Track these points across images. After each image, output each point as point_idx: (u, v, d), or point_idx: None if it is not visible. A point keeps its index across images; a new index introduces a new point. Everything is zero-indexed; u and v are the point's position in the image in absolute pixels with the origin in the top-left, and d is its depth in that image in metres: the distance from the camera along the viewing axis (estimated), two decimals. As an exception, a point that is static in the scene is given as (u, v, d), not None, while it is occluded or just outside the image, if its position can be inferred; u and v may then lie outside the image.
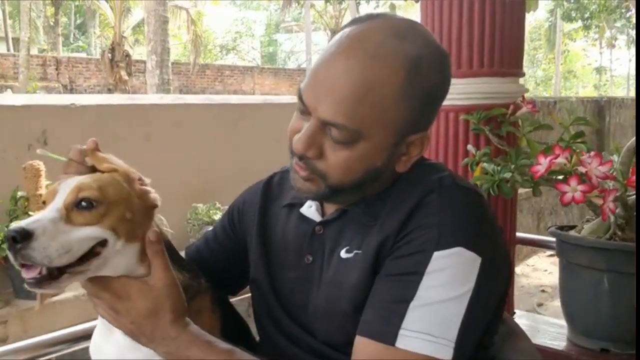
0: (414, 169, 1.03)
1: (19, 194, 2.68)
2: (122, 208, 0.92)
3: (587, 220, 1.83)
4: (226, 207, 3.33)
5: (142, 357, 0.96)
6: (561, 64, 29.72)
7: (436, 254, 0.90)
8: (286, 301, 1.10)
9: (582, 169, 1.40)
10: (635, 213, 1.65)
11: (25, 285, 0.87)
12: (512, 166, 1.58)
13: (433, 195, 0.95)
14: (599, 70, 33.94)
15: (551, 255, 6.84)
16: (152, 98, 3.32)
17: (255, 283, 1.17)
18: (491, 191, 1.58)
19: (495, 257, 0.94)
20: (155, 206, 0.99)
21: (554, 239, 1.82)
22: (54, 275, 0.86)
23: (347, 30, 0.99)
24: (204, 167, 3.51)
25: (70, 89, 14.89)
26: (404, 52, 0.94)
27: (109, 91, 14.24)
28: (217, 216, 3.29)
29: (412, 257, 0.91)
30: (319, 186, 1.00)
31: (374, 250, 0.96)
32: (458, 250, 0.90)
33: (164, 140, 3.30)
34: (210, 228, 3.14)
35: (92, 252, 0.89)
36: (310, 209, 1.11)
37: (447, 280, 0.89)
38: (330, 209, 1.09)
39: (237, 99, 3.70)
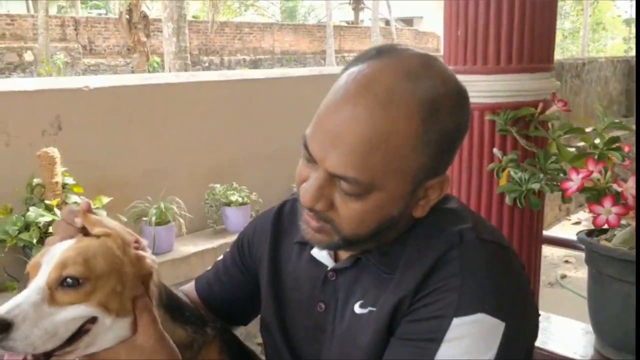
0: (432, 213, 0.95)
1: (35, 181, 2.64)
2: (112, 281, 0.85)
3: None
4: (243, 187, 3.30)
5: None
6: (590, 16, 28.82)
7: (455, 320, 0.83)
8: (298, 350, 1.05)
9: (617, 188, 1.31)
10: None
11: None
12: (541, 175, 1.49)
13: (453, 253, 0.88)
14: (629, 22, 32.86)
15: (576, 224, 6.74)
16: (167, 77, 3.25)
17: (266, 329, 1.12)
18: (518, 203, 1.50)
19: (520, 320, 0.88)
20: (151, 274, 0.92)
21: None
22: (41, 359, 0.80)
23: (354, 70, 0.88)
24: (221, 147, 3.45)
25: (89, 49, 14.83)
26: (419, 96, 0.85)
27: (129, 51, 14.16)
28: (234, 197, 3.25)
29: (430, 322, 0.85)
30: (332, 237, 0.93)
31: (390, 310, 0.89)
32: (480, 317, 0.83)
33: (180, 121, 3.24)
34: (228, 207, 3.07)
35: (81, 330, 0.83)
36: (321, 252, 1.05)
37: (466, 349, 0.83)
38: (343, 253, 1.03)
39: (254, 74, 3.60)
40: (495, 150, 1.65)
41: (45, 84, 2.84)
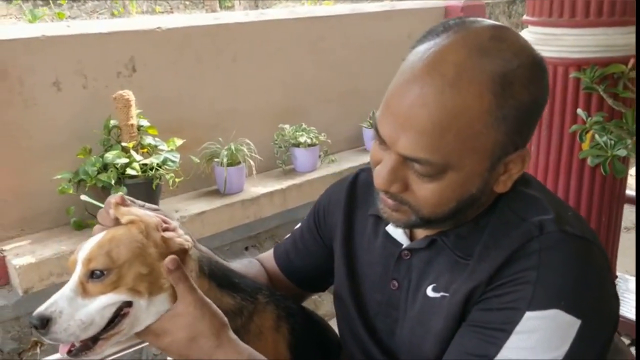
0: (513, 201, 0.93)
1: (112, 123, 2.72)
2: (136, 266, 0.92)
3: None
4: (312, 128, 3.30)
5: None
6: None
7: (528, 313, 0.83)
8: (371, 324, 1.07)
9: None
10: None
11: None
12: (629, 141, 1.42)
13: (533, 245, 0.86)
14: None
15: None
16: (236, 16, 3.21)
17: (339, 300, 1.14)
18: (602, 169, 1.43)
19: (598, 319, 0.85)
20: (185, 250, 0.97)
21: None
22: (89, 345, 0.90)
23: (420, 49, 0.86)
24: (290, 87, 3.44)
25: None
26: (489, 71, 0.82)
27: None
28: (303, 138, 3.25)
29: (502, 312, 0.85)
30: (409, 216, 0.92)
31: (463, 298, 0.89)
32: (554, 313, 0.82)
33: (250, 60, 3.22)
34: (297, 148, 3.08)
35: (121, 314, 0.92)
36: (397, 230, 1.04)
37: (535, 343, 0.82)
38: (420, 231, 1.02)
39: (324, 11, 3.51)
40: (579, 110, 1.57)
41: (119, 26, 2.86)
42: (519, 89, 0.84)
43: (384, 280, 1.04)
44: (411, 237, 1.03)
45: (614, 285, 0.91)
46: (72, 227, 2.74)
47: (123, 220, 0.97)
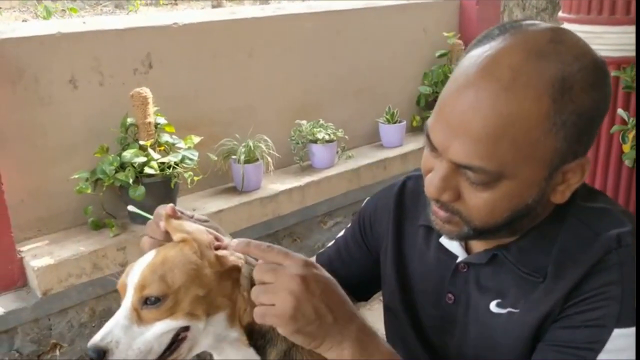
0: (580, 211, 0.89)
1: (129, 121, 2.68)
2: (193, 289, 0.88)
3: None
4: (329, 124, 3.25)
5: None
6: None
7: (617, 331, 0.79)
8: (425, 338, 1.03)
9: None
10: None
11: None
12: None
13: (612, 258, 0.82)
14: None
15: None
16: (252, 11, 3.16)
17: (391, 311, 1.10)
18: (646, 172, 1.39)
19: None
20: (237, 268, 0.92)
21: None
22: None
23: (474, 54, 0.82)
24: (307, 82, 3.39)
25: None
26: (547, 75, 0.78)
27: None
28: (321, 134, 3.21)
29: (588, 330, 0.81)
30: (461, 228, 0.88)
31: (539, 317, 0.85)
32: None
33: (266, 56, 3.18)
34: (315, 144, 3.04)
35: (178, 339, 0.88)
36: (452, 242, 1.00)
37: None
38: (475, 242, 0.98)
39: (340, 5, 3.46)
40: (620, 110, 1.53)
41: (136, 22, 2.82)
42: (580, 93, 0.79)
43: (438, 294, 1.01)
44: (467, 249, 1.00)
45: None
46: (89, 227, 2.70)
47: (175, 237, 0.93)
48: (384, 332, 1.15)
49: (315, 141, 3.21)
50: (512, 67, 0.78)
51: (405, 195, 1.13)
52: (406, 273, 1.08)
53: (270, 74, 3.23)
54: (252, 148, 2.93)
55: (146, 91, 2.64)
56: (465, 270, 0.97)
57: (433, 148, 0.86)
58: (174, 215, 0.96)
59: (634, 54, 1.55)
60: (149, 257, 0.91)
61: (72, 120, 2.66)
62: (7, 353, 2.43)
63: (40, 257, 2.49)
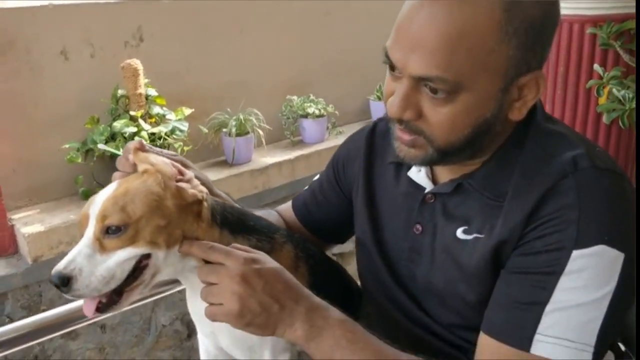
0: (538, 134, 0.91)
1: (119, 92, 2.70)
2: (154, 219, 0.89)
3: None
4: (320, 99, 3.28)
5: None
6: None
7: (575, 252, 0.82)
8: (394, 270, 1.06)
9: None
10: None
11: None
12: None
13: (568, 181, 0.84)
14: None
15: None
16: (244, -13, 3.18)
17: (361, 244, 1.12)
18: (620, 122, 1.42)
19: (636, 249, 0.85)
20: (199, 201, 0.94)
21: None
22: (114, 299, 0.89)
23: None
24: (298, 59, 3.42)
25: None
26: None
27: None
28: (311, 109, 3.24)
29: (548, 255, 0.83)
30: (426, 151, 0.90)
31: (499, 239, 0.87)
32: (600, 249, 0.81)
33: (258, 33, 3.20)
34: (305, 119, 3.08)
35: (140, 266, 0.90)
36: (419, 174, 1.03)
37: (586, 282, 0.81)
38: (441, 173, 1.00)
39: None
40: (596, 66, 1.55)
41: (126, -5, 2.84)
42: (529, 3, 0.82)
43: (407, 226, 1.03)
44: (434, 181, 1.02)
45: None
46: (80, 197, 2.73)
47: (139, 168, 0.95)
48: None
49: (305, 116, 3.24)
50: None
51: (376, 136, 1.15)
52: (376, 208, 1.10)
53: (261, 51, 3.25)
54: (243, 121, 2.96)
55: (137, 62, 2.66)
56: (432, 201, 1.00)
57: (393, 68, 0.88)
58: (142, 148, 0.98)
59: (609, 12, 1.58)
60: (112, 187, 0.93)
61: (63, 92, 2.68)
62: (-1, 318, 2.47)
63: (31, 224, 2.52)
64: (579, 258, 0.81)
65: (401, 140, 0.92)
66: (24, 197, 2.68)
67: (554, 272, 0.82)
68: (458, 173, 0.97)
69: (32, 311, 2.54)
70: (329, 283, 1.13)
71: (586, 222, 0.82)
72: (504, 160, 0.92)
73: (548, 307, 0.82)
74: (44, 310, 2.57)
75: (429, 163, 0.96)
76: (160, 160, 0.97)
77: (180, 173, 0.98)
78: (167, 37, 2.91)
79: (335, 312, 0.92)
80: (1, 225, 2.51)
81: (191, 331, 3.07)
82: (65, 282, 0.85)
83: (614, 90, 1.46)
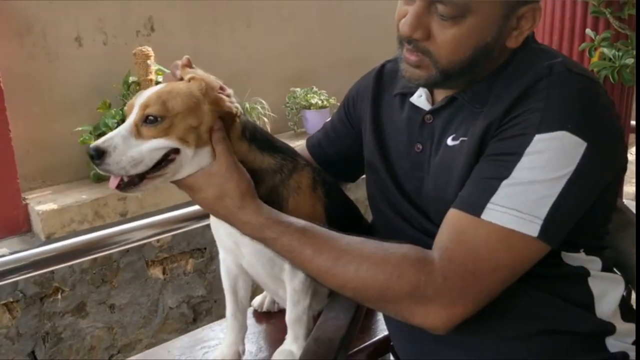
0: (524, 53, 1.00)
1: (131, 78, 2.80)
2: (188, 118, 0.98)
3: None
4: (322, 91, 3.36)
5: None
6: None
7: (537, 136, 0.88)
8: (400, 186, 1.14)
9: None
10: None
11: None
12: (634, 52, 1.50)
13: (542, 82, 0.92)
14: None
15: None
16: (251, -18, 3.30)
17: (370, 166, 1.20)
18: (611, 78, 1.51)
19: (605, 144, 0.91)
20: (232, 114, 1.03)
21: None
22: (135, 181, 0.96)
23: None
24: (303, 52, 3.52)
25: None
26: None
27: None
28: (314, 100, 3.33)
29: (514, 139, 0.91)
30: (430, 71, 0.99)
31: (479, 136, 0.95)
32: (561, 134, 0.88)
33: (264, 25, 3.32)
34: (308, 110, 3.19)
35: (168, 159, 0.97)
36: (420, 99, 1.11)
37: (545, 162, 0.88)
38: (440, 97, 1.09)
39: (334, -18, 3.60)
40: (587, 30, 1.66)
41: (138, -14, 2.95)
42: None
43: (409, 146, 1.11)
44: (433, 104, 1.10)
45: (619, 119, 0.98)
46: (91, 180, 2.82)
47: (186, 77, 1.03)
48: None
49: (309, 107, 3.33)
50: None
51: (384, 74, 1.24)
52: (383, 134, 1.18)
53: (267, 44, 3.36)
54: (249, 109, 3.05)
55: (148, 49, 2.76)
56: (430, 121, 1.08)
57: None
58: (189, 65, 1.07)
59: (599, -18, 1.69)
60: (160, 86, 1.02)
61: (77, 76, 2.78)
62: (12, 293, 2.53)
63: (44, 203, 2.60)
64: (540, 141, 0.88)
65: (408, 61, 1.00)
66: (38, 179, 2.77)
67: (516, 152, 0.89)
68: (455, 87, 1.05)
69: (44, 287, 2.61)
70: (342, 211, 1.21)
71: (551, 110, 0.89)
72: (493, 77, 1.01)
73: (505, 182, 0.89)
74: (56, 288, 2.66)
75: (432, 84, 1.04)
76: (206, 76, 1.06)
77: (222, 88, 1.06)
78: (177, 28, 3.02)
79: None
80: (16, 204, 2.59)
81: (197, 315, 3.13)
82: (99, 155, 0.93)
83: (605, 50, 1.56)
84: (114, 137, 0.95)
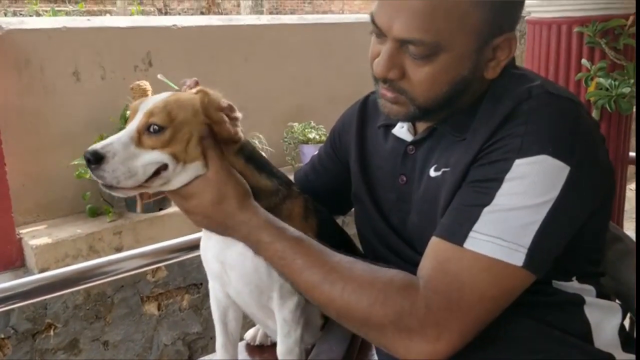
0: (502, 80, 0.99)
1: (128, 112, 2.79)
2: (186, 130, 0.96)
3: None
4: (320, 126, 3.37)
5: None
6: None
7: (518, 161, 0.86)
8: (387, 218, 1.12)
9: None
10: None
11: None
12: (631, 81, 1.50)
13: (522, 106, 0.90)
14: None
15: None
16: (249, 19, 3.34)
17: (357, 199, 1.19)
18: (608, 107, 1.50)
19: (589, 167, 0.89)
20: (232, 140, 1.01)
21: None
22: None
23: None
24: (300, 87, 3.54)
25: (164, 12, 15.16)
26: None
27: (202, 14, 14.39)
28: (312, 135, 3.34)
29: (494, 164, 0.89)
30: (408, 107, 0.98)
31: (463, 169, 0.93)
32: (542, 158, 0.86)
33: (261, 61, 3.34)
34: (306, 145, 3.20)
35: (156, 173, 0.95)
36: (402, 130, 1.11)
37: (526, 188, 0.86)
38: (422, 128, 1.08)
39: (331, 19, 3.65)
40: (583, 60, 1.66)
41: (137, 22, 2.98)
42: None
43: (393, 178, 1.10)
44: (415, 135, 1.09)
45: (603, 142, 0.96)
46: (87, 214, 2.79)
47: (195, 91, 1.02)
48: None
49: (306, 142, 3.33)
50: None
51: (368, 106, 1.24)
52: (368, 167, 1.17)
53: (264, 79, 3.37)
54: (246, 144, 3.04)
55: (146, 84, 2.77)
56: (413, 152, 1.07)
57: (379, 33, 0.97)
58: (195, 86, 1.06)
59: (594, 13, 1.69)
60: (167, 94, 0.99)
61: (74, 110, 2.78)
62: (3, 329, 2.48)
63: (38, 237, 2.57)
64: (521, 166, 0.86)
65: (385, 98, 1.00)
66: (32, 213, 2.74)
67: (497, 179, 0.87)
68: (435, 120, 1.04)
69: (36, 324, 2.56)
70: (335, 240, 1.18)
71: (531, 134, 0.87)
72: (474, 106, 0.99)
73: (487, 209, 0.87)
74: (48, 325, 2.61)
75: (412, 119, 1.04)
76: (214, 92, 1.05)
77: (232, 109, 1.04)
78: (175, 63, 3.04)
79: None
80: (9, 238, 2.56)
81: (192, 352, 3.07)
82: (97, 160, 0.90)
83: (601, 80, 1.56)
84: (114, 143, 0.92)
